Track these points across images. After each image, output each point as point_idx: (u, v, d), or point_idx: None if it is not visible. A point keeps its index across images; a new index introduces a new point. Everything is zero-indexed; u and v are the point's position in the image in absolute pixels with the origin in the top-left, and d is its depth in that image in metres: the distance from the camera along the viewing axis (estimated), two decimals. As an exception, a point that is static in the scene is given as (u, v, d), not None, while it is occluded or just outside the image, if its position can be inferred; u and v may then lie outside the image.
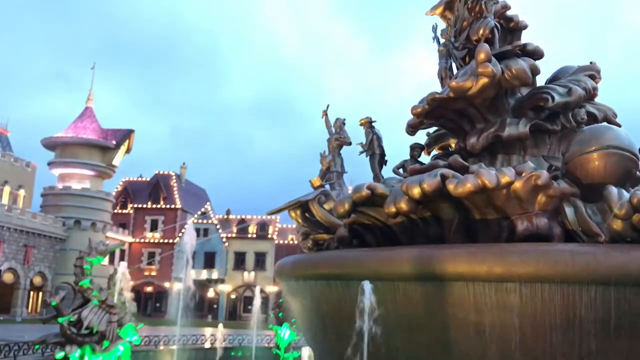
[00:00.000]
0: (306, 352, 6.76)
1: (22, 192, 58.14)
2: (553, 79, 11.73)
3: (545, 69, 11.54)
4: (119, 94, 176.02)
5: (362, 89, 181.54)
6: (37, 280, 52.81)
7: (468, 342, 8.14)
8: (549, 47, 11.80)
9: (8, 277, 49.32)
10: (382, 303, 7.79)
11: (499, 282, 7.77)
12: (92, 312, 7.55)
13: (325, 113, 15.13)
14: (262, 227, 65.28)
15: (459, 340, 8.22)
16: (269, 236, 64.77)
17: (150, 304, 63.81)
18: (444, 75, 12.55)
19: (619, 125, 10.90)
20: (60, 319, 7.40)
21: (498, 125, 10.64)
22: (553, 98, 10.48)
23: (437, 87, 12.15)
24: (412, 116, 11.73)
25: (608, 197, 8.34)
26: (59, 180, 58.53)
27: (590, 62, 11.80)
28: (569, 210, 8.52)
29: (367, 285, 7.73)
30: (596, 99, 11.56)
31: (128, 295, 13.23)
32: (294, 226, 15.49)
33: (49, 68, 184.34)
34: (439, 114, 11.36)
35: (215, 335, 20.31)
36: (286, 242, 62.53)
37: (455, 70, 12.31)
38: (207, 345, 19.84)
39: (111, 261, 54.36)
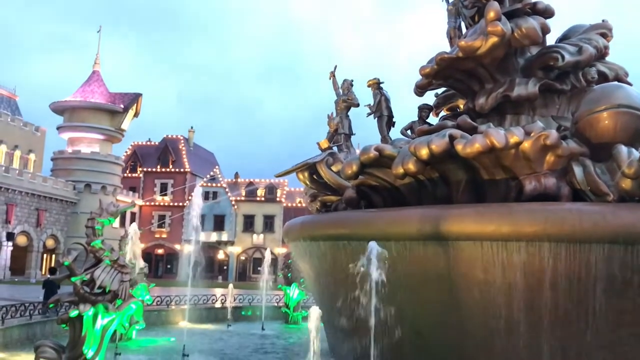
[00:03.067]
0: (315, 310, 6.86)
1: (32, 157, 58.54)
2: (563, 38, 11.55)
3: (556, 28, 11.37)
4: (126, 57, 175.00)
5: (371, 50, 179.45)
6: (50, 242, 53.63)
7: (475, 300, 8.25)
8: (560, 5, 11.59)
9: (22, 240, 50.14)
10: (390, 263, 7.87)
11: (507, 241, 7.82)
12: (105, 271, 7.67)
13: (332, 74, 15.04)
14: (271, 190, 65.57)
15: (466, 299, 8.32)
16: (278, 199, 65.11)
17: (162, 266, 64.77)
18: (453, 34, 12.38)
19: (631, 85, 10.77)
20: (73, 279, 7.54)
21: (507, 85, 10.54)
22: (563, 57, 10.34)
23: (446, 48, 12.01)
24: (420, 77, 11.63)
25: (617, 156, 8.30)
26: (68, 144, 58.73)
27: (602, 20, 11.59)
28: (577, 170, 8.50)
29: (374, 245, 7.79)
30: (607, 58, 11.39)
31: (139, 258, 13.50)
32: (302, 189, 15.57)
33: (55, 32, 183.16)
34: (447, 74, 11.26)
35: (226, 295, 20.69)
36: (294, 205, 62.83)
37: (464, 30, 12.16)
38: (218, 304, 20.22)
39: (122, 224, 55.02)
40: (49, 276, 17.29)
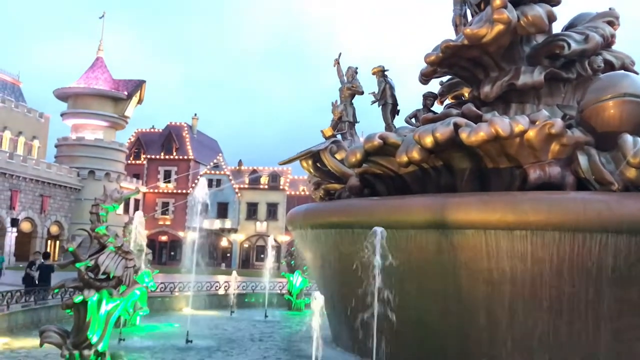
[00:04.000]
0: (318, 297, 6.88)
1: (36, 143, 58.60)
2: (570, 26, 11.46)
3: (563, 16, 11.28)
4: (130, 43, 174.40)
5: (376, 37, 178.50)
6: (54, 229, 53.83)
7: (478, 288, 8.26)
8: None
9: (26, 226, 50.33)
10: (393, 251, 7.88)
11: (511, 230, 7.82)
12: (109, 257, 7.69)
13: (337, 62, 14.96)
14: (274, 178, 65.59)
15: (469, 287, 8.34)
16: (281, 187, 65.13)
17: (165, 253, 65.02)
18: (459, 22, 12.31)
19: (637, 73, 10.71)
20: (77, 264, 7.56)
21: (512, 74, 10.49)
22: (569, 45, 10.27)
23: (451, 35, 11.94)
24: (425, 64, 11.58)
25: (623, 145, 8.27)
26: (72, 131, 58.74)
27: (609, 8, 11.49)
28: (582, 159, 8.48)
29: (378, 232, 7.79)
30: (614, 46, 11.32)
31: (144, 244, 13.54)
32: (306, 177, 15.55)
33: (58, 18, 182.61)
34: (452, 62, 11.20)
35: (229, 282, 20.75)
36: (298, 193, 62.85)
37: (470, 17, 12.08)
38: (221, 291, 20.29)
39: (126, 211, 55.15)
40: (42, 261, 17.90)
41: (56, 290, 9.51)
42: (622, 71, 10.60)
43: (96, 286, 7.54)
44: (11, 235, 47.84)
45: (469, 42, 10.32)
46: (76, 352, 7.30)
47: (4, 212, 47.32)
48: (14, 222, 47.57)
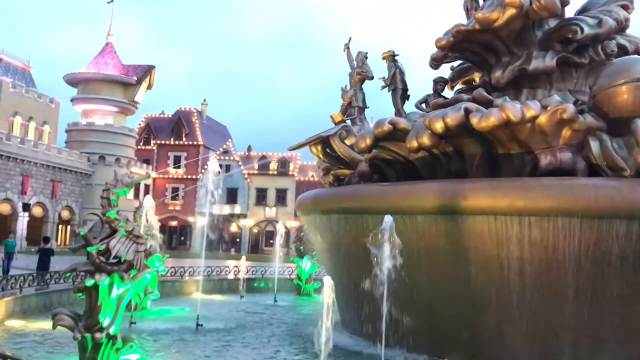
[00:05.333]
0: (327, 282, 6.90)
1: (46, 128, 58.78)
2: (583, 10, 11.32)
3: (576, 0, 11.15)
4: (139, 29, 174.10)
5: (386, 22, 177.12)
6: (65, 214, 54.17)
7: (488, 274, 8.26)
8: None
9: (37, 211, 50.70)
10: (402, 236, 7.87)
11: (521, 216, 7.80)
12: (120, 242, 7.72)
13: (347, 46, 14.87)
14: (283, 164, 65.56)
15: (478, 273, 8.33)
16: (290, 173, 65.12)
17: (175, 238, 65.39)
18: (470, 6, 12.19)
19: (651, 58, 10.57)
20: (89, 248, 7.61)
21: (524, 59, 10.39)
22: (582, 30, 10.15)
23: (462, 20, 11.83)
24: (436, 49, 11.49)
25: (636, 131, 8.19)
26: (82, 116, 58.88)
27: (624, -8, 11.33)
28: (594, 144, 8.40)
29: (388, 219, 7.80)
30: (628, 31, 11.17)
31: (155, 229, 13.61)
32: (315, 163, 15.54)
33: (68, 3, 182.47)
34: (463, 46, 11.11)
35: (239, 267, 20.86)
36: (306, 179, 62.81)
37: (481, 1, 11.95)
38: (231, 276, 20.40)
39: (136, 196, 55.35)
40: (42, 245, 18.64)
41: (68, 275, 9.58)
42: (636, 56, 10.48)
43: (107, 270, 7.59)
44: (23, 220, 48.25)
45: (480, 27, 10.23)
46: (88, 335, 7.36)
47: (15, 197, 47.70)
48: (26, 207, 47.97)
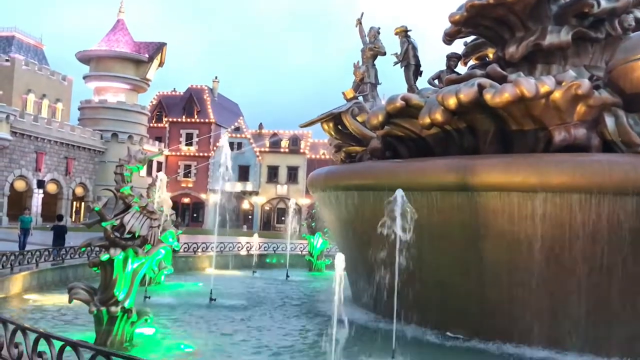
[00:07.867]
0: (339, 258, 6.93)
1: (59, 106, 59.04)
2: (600, -17, 11.11)
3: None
4: (150, 5, 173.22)
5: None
6: (79, 190, 54.69)
7: (500, 251, 8.26)
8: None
9: (52, 188, 51.23)
10: (414, 213, 7.86)
11: (534, 192, 7.76)
12: (134, 217, 7.80)
13: (359, 22, 14.72)
14: (295, 141, 65.56)
15: (490, 250, 8.33)
16: (301, 151, 65.12)
17: (188, 214, 65.91)
18: (484, -20, 11.99)
19: (669, 33, 10.37)
20: (103, 224, 7.69)
21: (539, 34, 10.24)
22: (599, 4, 9.98)
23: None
24: (449, 24, 11.36)
25: (652, 107, 8.08)
26: (94, 93, 59.04)
27: (643, -36, 11.09)
28: (609, 120, 8.31)
29: (400, 194, 7.78)
30: (646, 5, 10.96)
31: (168, 205, 13.73)
32: (327, 140, 15.50)
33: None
34: (477, 21, 10.96)
35: (251, 243, 20.99)
36: (318, 156, 62.83)
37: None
38: (244, 252, 20.57)
39: (149, 173, 55.69)
40: (56, 222, 19.40)
41: (83, 250, 9.69)
42: (654, 30, 10.30)
43: (122, 245, 7.68)
44: (38, 197, 48.78)
45: (494, 1, 10.08)
46: (103, 309, 7.48)
47: (30, 174, 48.18)
48: (40, 184, 48.45)
